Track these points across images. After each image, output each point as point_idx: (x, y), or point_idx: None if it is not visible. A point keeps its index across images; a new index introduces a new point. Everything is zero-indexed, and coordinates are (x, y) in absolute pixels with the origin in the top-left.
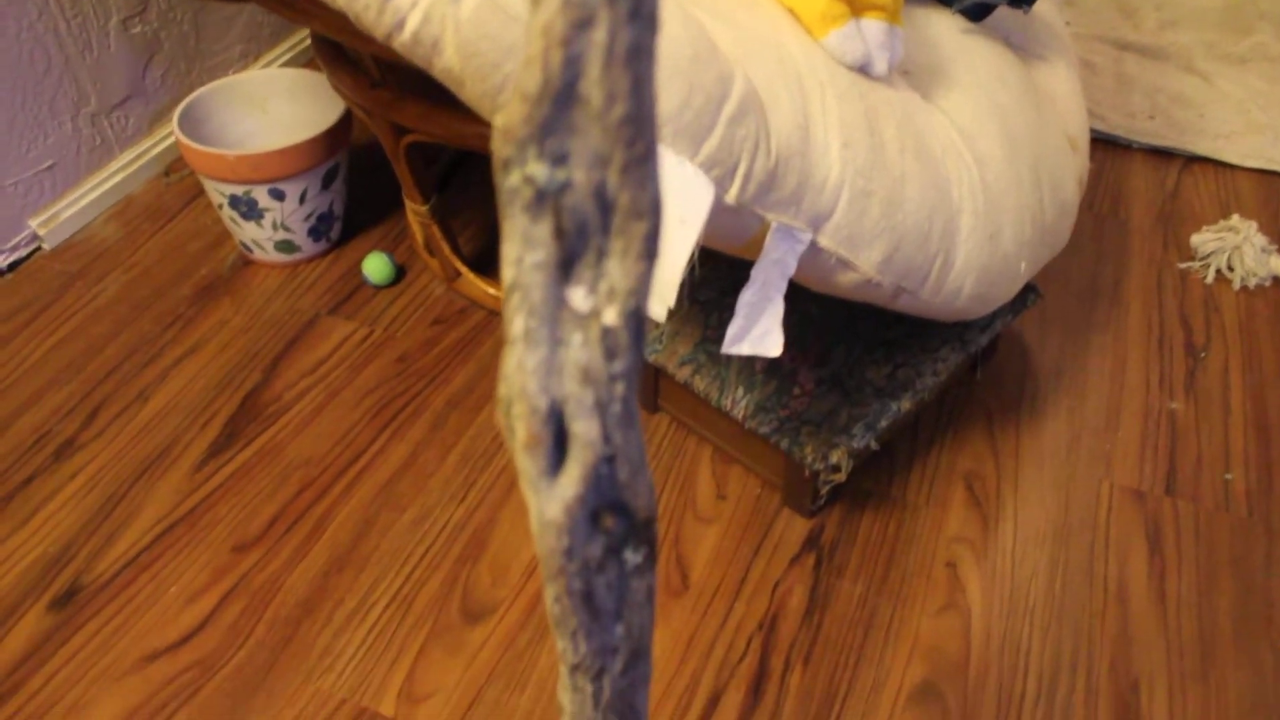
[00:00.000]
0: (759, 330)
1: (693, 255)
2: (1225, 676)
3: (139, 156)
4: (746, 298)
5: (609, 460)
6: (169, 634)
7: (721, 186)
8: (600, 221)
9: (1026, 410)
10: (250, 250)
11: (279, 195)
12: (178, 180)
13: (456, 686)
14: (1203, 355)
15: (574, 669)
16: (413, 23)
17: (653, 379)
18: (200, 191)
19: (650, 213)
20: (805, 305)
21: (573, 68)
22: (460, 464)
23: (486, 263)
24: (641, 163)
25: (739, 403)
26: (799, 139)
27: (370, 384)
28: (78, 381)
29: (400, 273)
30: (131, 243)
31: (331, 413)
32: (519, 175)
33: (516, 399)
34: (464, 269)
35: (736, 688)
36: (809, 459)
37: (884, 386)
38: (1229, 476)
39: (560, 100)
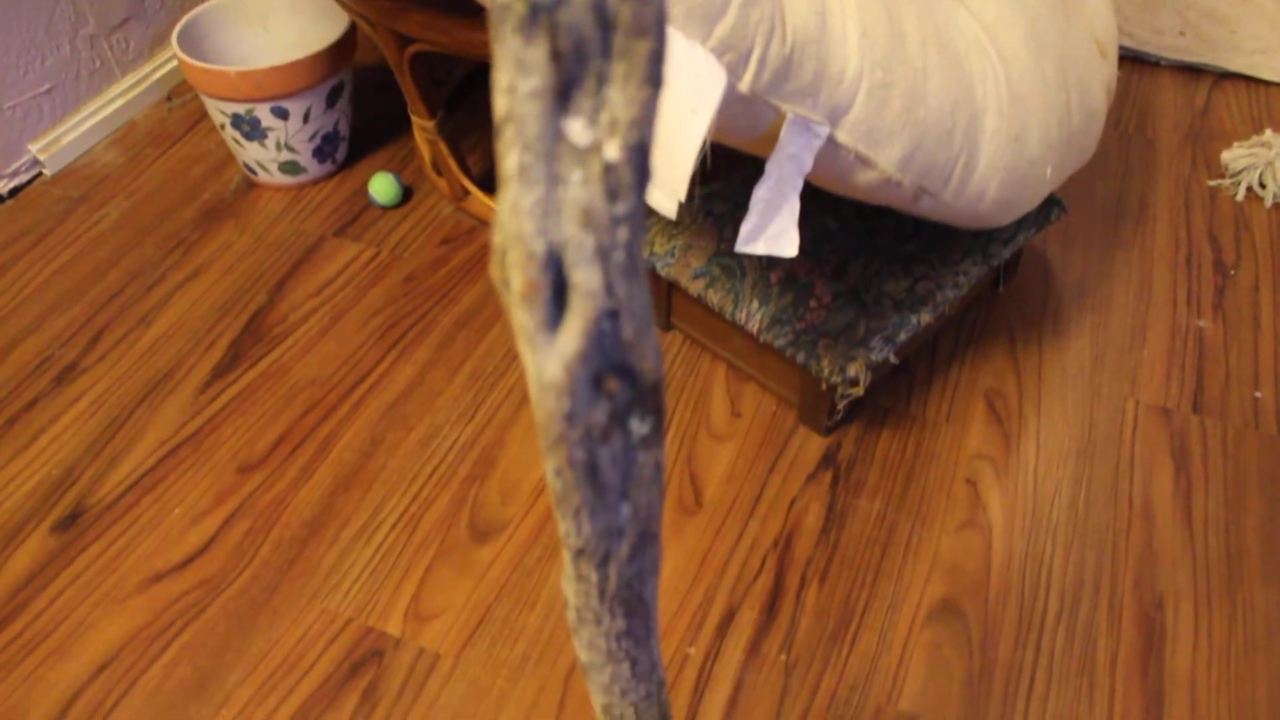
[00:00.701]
0: (774, 229)
1: (704, 146)
2: (1252, 594)
3: (140, 80)
4: (761, 194)
5: (612, 315)
6: (173, 555)
7: (734, 74)
8: (600, 41)
9: (1050, 327)
10: (254, 172)
11: (282, 114)
12: (180, 105)
13: (465, 605)
14: (1232, 273)
15: (577, 554)
16: None
17: (665, 294)
18: (204, 116)
19: (655, 29)
20: (821, 218)
21: None
22: (469, 383)
23: (494, 182)
24: None
25: (754, 316)
26: (816, 25)
27: (377, 304)
28: (80, 306)
29: (407, 193)
30: (134, 168)
31: (337, 334)
32: None
33: (512, 244)
34: (472, 187)
35: (751, 605)
36: (826, 372)
37: (903, 299)
38: (1259, 395)
39: None
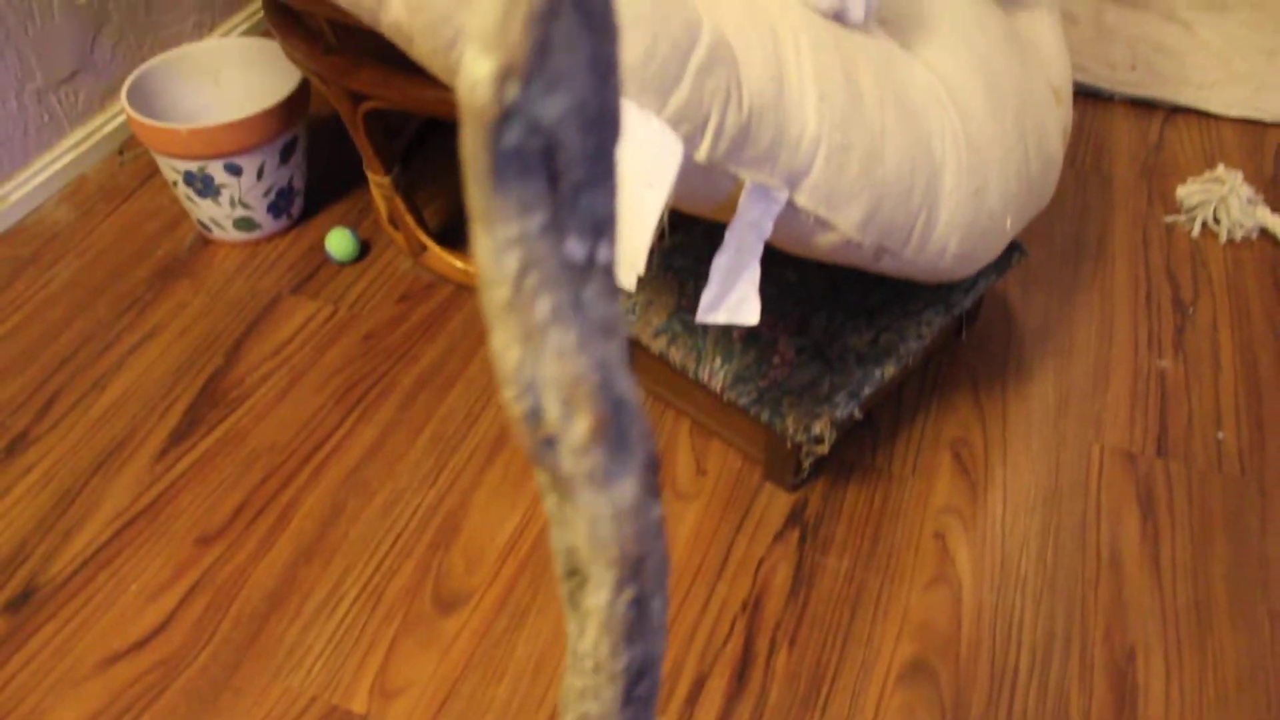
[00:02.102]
0: (735, 297)
1: (662, 219)
2: (1222, 643)
3: (91, 134)
4: (721, 262)
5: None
6: (130, 634)
7: (691, 143)
8: (582, 151)
9: (1013, 373)
10: (209, 229)
11: (235, 170)
12: (133, 158)
13: (430, 680)
14: (1191, 311)
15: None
16: None
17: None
18: (156, 170)
19: (616, 118)
20: (783, 271)
21: None
22: (431, 445)
23: (453, 235)
24: (612, 64)
25: (717, 373)
26: (772, 91)
27: (336, 365)
28: (31, 372)
29: (364, 248)
30: (85, 224)
31: (296, 396)
32: (522, 124)
33: (571, 390)
34: (430, 243)
35: (721, 672)
36: (791, 430)
37: (867, 353)
38: (1221, 435)
39: (548, 16)
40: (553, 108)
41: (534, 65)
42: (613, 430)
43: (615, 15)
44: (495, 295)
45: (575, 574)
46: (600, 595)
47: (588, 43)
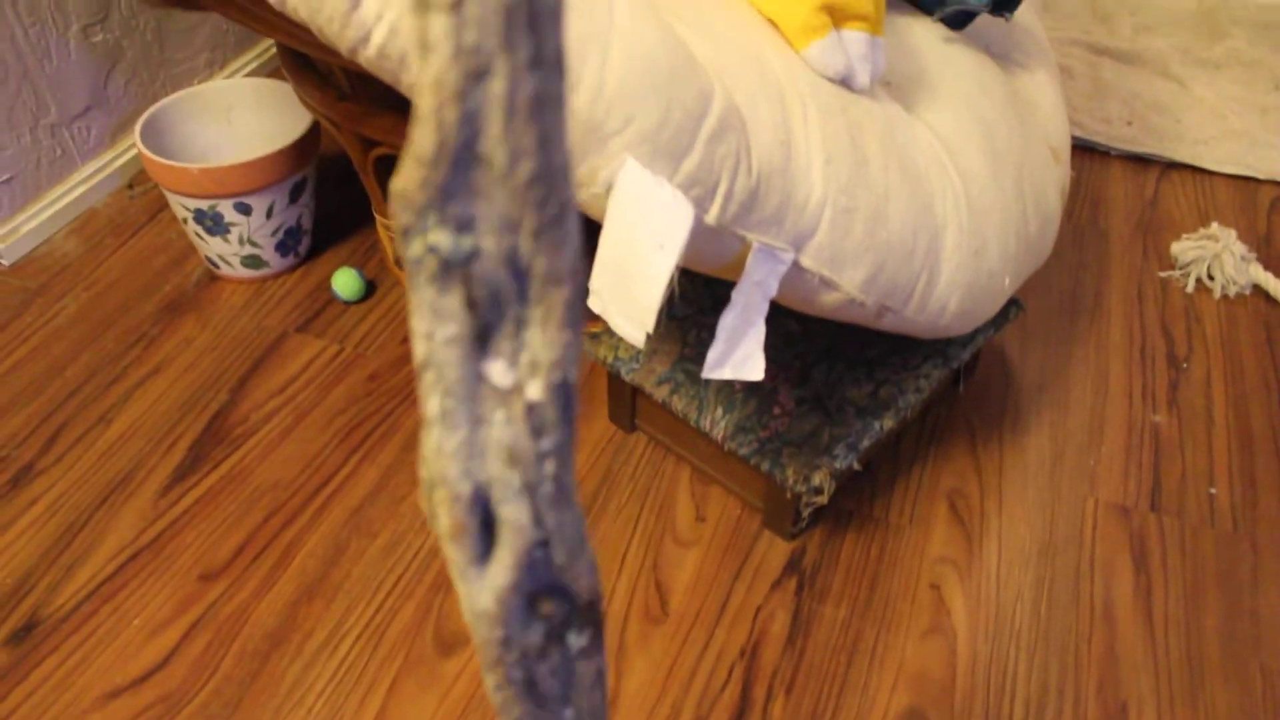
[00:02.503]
0: (740, 354)
1: (672, 280)
2: (1214, 697)
3: (102, 169)
4: (728, 321)
5: (543, 544)
6: (132, 669)
7: (701, 207)
8: (516, 290)
9: (1009, 426)
10: (216, 265)
11: (245, 209)
12: (142, 193)
13: None
14: (1185, 366)
15: None
16: (378, 37)
17: (630, 398)
18: (165, 205)
19: (569, 278)
20: (785, 323)
21: (470, 125)
22: None
23: None
24: (556, 225)
25: (718, 423)
26: (781, 156)
27: (340, 404)
28: (37, 404)
29: (370, 288)
30: (94, 258)
31: (300, 435)
32: (420, 244)
33: (437, 485)
34: None
35: (718, 718)
36: (790, 481)
37: (866, 405)
38: (1213, 491)
39: (459, 161)
40: (460, 245)
41: (435, 200)
42: (470, 540)
43: (557, 186)
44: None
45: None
46: (486, 682)
47: (503, 200)
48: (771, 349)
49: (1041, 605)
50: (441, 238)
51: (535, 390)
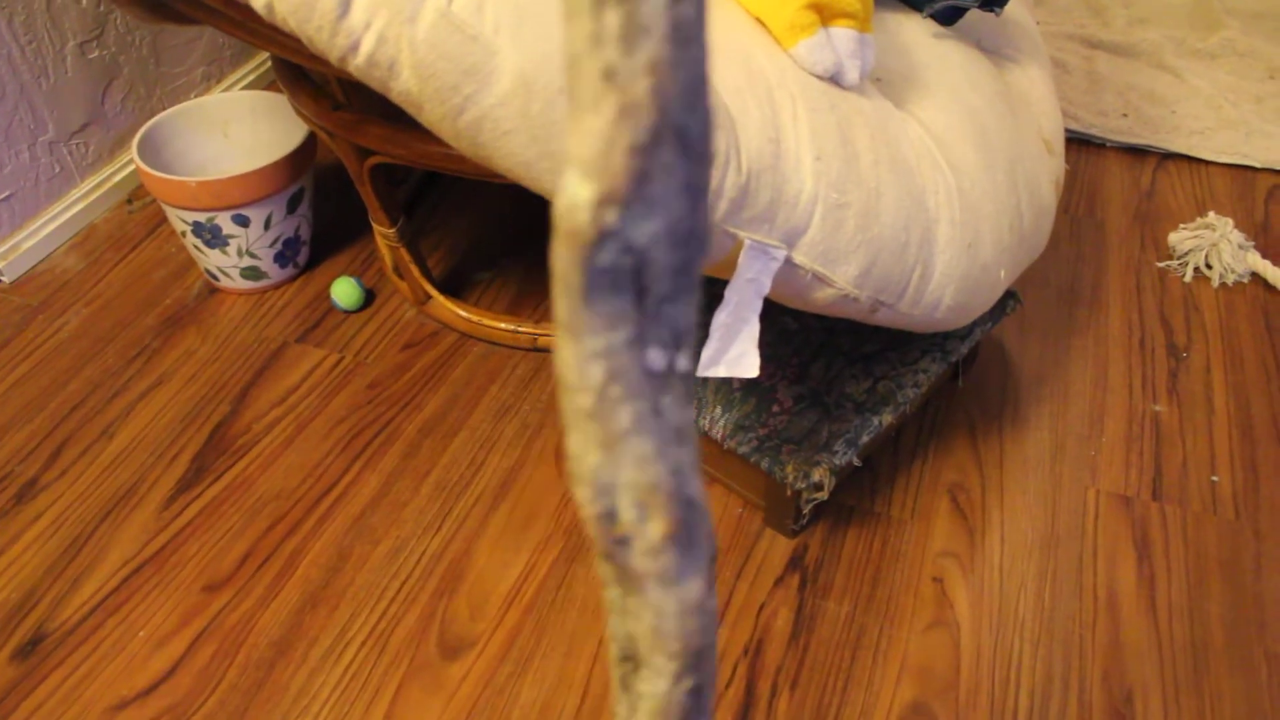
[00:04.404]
0: (735, 352)
1: None
2: (1219, 684)
3: (100, 184)
4: (721, 319)
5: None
6: (138, 681)
7: None
8: (669, 266)
9: (1009, 418)
10: (216, 278)
11: (243, 221)
12: (140, 208)
13: None
14: (1184, 356)
15: None
16: (367, 45)
17: None
18: (164, 219)
19: (704, 237)
20: (782, 320)
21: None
22: (435, 493)
23: (457, 285)
24: (704, 187)
25: (717, 422)
26: (770, 153)
27: (341, 413)
28: (40, 419)
29: (370, 297)
30: (94, 273)
31: (302, 444)
32: (617, 246)
33: (647, 494)
34: (434, 292)
35: (723, 716)
36: (790, 478)
37: (864, 401)
38: (1215, 479)
39: (650, 147)
40: (646, 230)
41: (632, 192)
42: (684, 532)
43: (710, 143)
44: (577, 402)
45: (630, 659)
46: (658, 684)
47: (683, 169)
48: (769, 346)
49: (1045, 596)
50: (639, 228)
51: (683, 362)
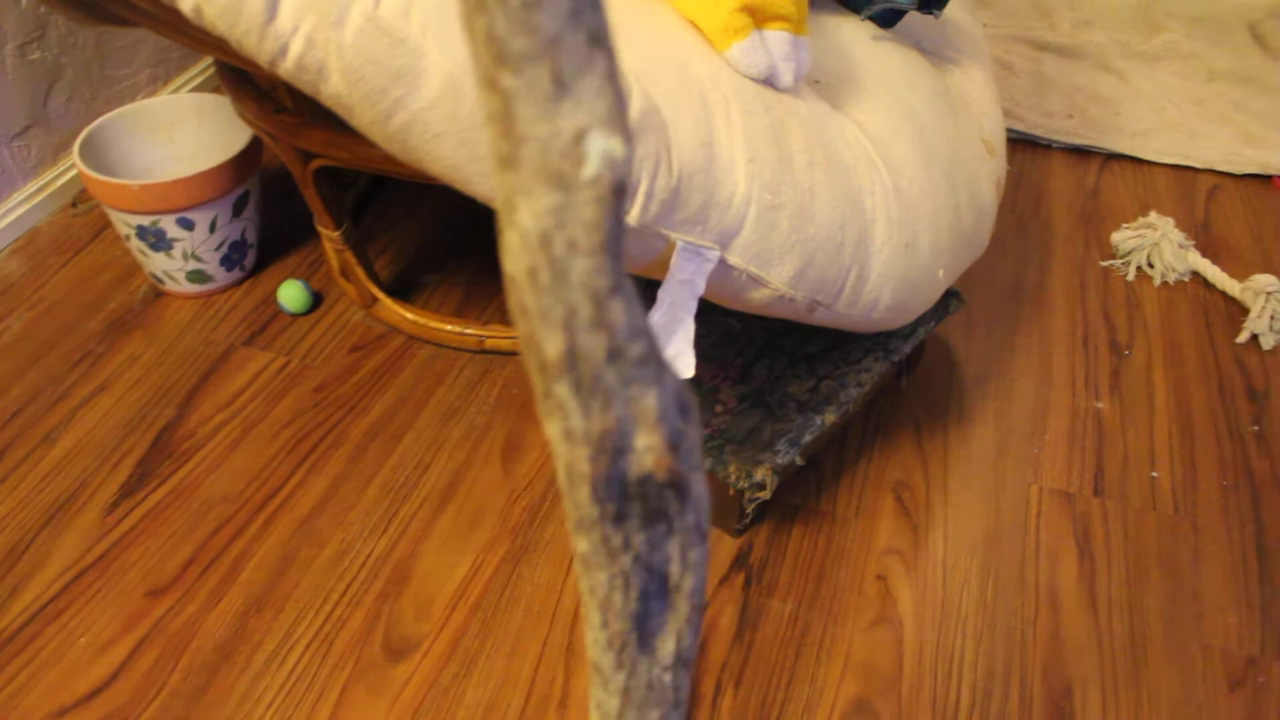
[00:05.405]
0: (670, 352)
1: None
2: (1157, 678)
3: (44, 187)
4: (654, 319)
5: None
6: (78, 687)
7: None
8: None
9: (954, 417)
10: (162, 282)
11: (188, 225)
12: (86, 211)
13: None
14: (1126, 353)
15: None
16: (295, 49)
17: None
18: (109, 223)
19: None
20: (725, 321)
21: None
22: (381, 495)
23: (404, 287)
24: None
25: None
26: (703, 155)
27: (287, 416)
28: None
29: (317, 300)
30: (37, 277)
31: (248, 447)
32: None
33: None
34: (381, 295)
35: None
36: (733, 477)
37: (807, 400)
38: (1155, 474)
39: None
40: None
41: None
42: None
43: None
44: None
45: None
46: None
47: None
48: (712, 347)
49: (987, 592)
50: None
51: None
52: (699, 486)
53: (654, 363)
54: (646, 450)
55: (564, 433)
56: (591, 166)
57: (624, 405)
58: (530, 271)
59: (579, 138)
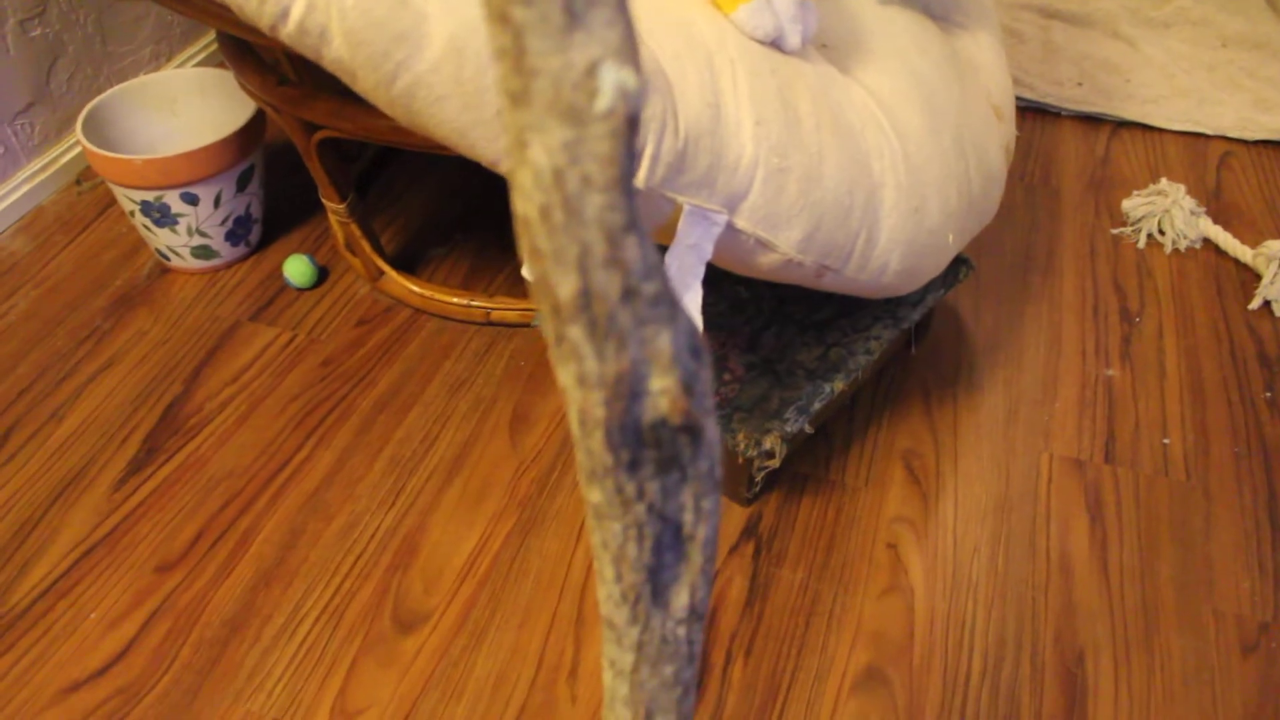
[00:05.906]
0: None
1: None
2: (1169, 643)
3: (48, 165)
4: None
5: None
6: (90, 663)
7: None
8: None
9: (964, 384)
10: (167, 258)
11: (192, 200)
12: (90, 188)
13: (391, 700)
14: (1137, 320)
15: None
16: (297, 12)
17: None
18: (114, 199)
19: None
20: (733, 288)
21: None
22: (389, 468)
23: (410, 260)
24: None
25: None
26: (709, 118)
27: (294, 390)
28: None
29: (323, 274)
30: (42, 255)
31: (255, 422)
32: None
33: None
34: (387, 267)
35: None
36: (742, 446)
37: (816, 368)
38: (1166, 441)
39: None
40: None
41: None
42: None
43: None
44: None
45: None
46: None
47: None
48: (720, 315)
49: (999, 560)
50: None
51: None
52: (712, 430)
53: (667, 302)
54: (661, 393)
55: (578, 378)
56: (605, 99)
57: (638, 347)
58: (543, 210)
59: (591, 70)
